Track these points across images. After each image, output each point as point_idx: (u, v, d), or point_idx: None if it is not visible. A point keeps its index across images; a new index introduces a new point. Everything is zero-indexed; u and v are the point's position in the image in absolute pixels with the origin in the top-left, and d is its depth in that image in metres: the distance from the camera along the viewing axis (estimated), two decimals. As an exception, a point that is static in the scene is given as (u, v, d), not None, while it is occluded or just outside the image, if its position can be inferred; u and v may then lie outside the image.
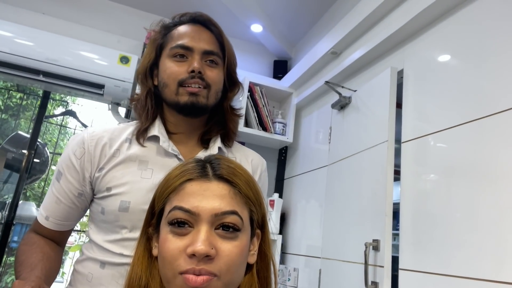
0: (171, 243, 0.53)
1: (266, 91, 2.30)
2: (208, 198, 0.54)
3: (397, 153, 1.40)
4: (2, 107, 4.41)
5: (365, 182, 1.49)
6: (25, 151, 2.20)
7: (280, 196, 2.28)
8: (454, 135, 1.16)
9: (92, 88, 2.03)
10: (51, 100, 4.42)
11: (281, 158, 2.45)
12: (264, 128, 2.25)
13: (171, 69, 0.86)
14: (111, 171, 0.84)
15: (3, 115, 4.45)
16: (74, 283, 0.86)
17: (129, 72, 2.02)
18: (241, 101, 2.22)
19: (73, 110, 2.63)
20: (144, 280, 0.58)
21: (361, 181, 1.53)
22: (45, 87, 2.11)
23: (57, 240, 0.89)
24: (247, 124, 2.25)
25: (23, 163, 2.12)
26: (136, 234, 0.77)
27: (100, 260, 0.83)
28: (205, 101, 0.87)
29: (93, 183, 0.85)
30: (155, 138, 0.88)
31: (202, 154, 0.89)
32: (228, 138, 0.95)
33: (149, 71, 0.91)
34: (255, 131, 2.22)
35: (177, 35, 0.89)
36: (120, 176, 0.83)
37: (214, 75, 0.88)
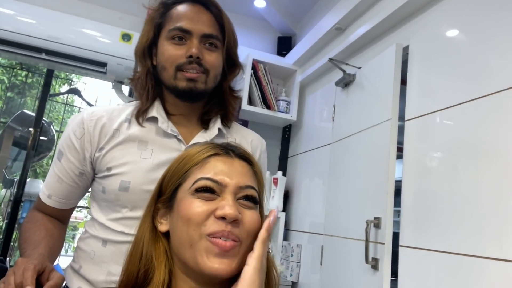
0: (198, 206, 0.56)
1: (269, 68, 2.27)
2: (233, 172, 0.59)
3: (401, 131, 1.39)
4: (8, 85, 4.41)
5: (368, 160, 1.49)
6: (31, 129, 2.22)
7: (284, 174, 2.29)
8: (459, 113, 1.15)
9: (95, 66, 2.02)
10: (57, 78, 4.42)
11: (285, 136, 2.45)
12: (268, 106, 2.23)
13: (169, 53, 0.85)
14: (111, 151, 0.85)
15: (9, 93, 4.46)
16: (77, 260, 0.88)
17: (131, 50, 1.97)
18: (244, 79, 2.20)
19: (77, 88, 2.63)
20: (147, 258, 0.59)
21: (364, 159, 1.53)
22: (48, 66, 2.11)
23: (60, 217, 0.91)
24: (250, 102, 2.24)
25: (29, 141, 2.14)
26: (137, 213, 0.82)
27: (102, 238, 0.85)
28: (204, 86, 0.86)
29: (94, 163, 0.86)
30: (154, 119, 0.88)
31: (201, 135, 0.90)
32: (227, 119, 0.95)
33: (147, 51, 0.89)
34: (259, 109, 2.21)
35: (176, 16, 0.86)
36: (120, 156, 0.84)
37: (213, 59, 0.87)
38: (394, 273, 1.27)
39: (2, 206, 2.41)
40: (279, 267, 2.09)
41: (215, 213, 0.55)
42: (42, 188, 0.90)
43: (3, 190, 2.46)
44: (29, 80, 4.43)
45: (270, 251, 0.60)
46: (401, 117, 1.40)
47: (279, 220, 2.13)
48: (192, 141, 0.88)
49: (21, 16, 1.94)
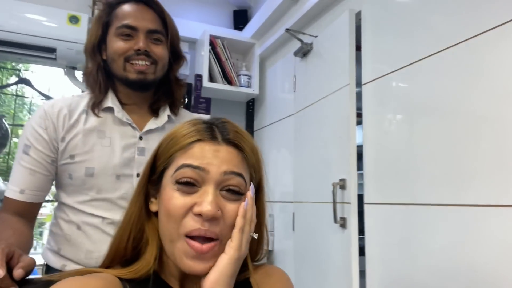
0: (177, 200, 0.54)
1: (227, 43, 2.25)
2: (218, 158, 0.55)
3: (359, 97, 1.44)
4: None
5: (330, 126, 1.54)
6: (-19, 126, 2.09)
7: (251, 148, 2.32)
8: (411, 73, 1.21)
9: (43, 52, 1.91)
10: (3, 70, 4.13)
11: (249, 110, 2.47)
12: (229, 82, 2.23)
13: (118, 46, 0.93)
14: (72, 140, 0.92)
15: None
16: (54, 243, 0.95)
17: (80, 33, 1.91)
18: (203, 56, 2.17)
19: (27, 78, 2.48)
20: (139, 234, 0.59)
21: (326, 125, 1.57)
22: (-8, 56, 1.97)
23: (28, 215, 0.91)
24: (211, 79, 2.22)
25: (-19, 138, 2.02)
26: (102, 195, 0.92)
27: (75, 222, 0.93)
28: (153, 76, 0.96)
29: (57, 151, 0.93)
30: (110, 109, 0.96)
31: (153, 121, 1.00)
32: (175, 106, 1.05)
33: (97, 47, 0.97)
34: (220, 85, 2.20)
35: (122, 15, 0.95)
36: (82, 145, 0.92)
37: (160, 51, 0.96)
38: (362, 231, 1.35)
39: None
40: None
41: (193, 209, 0.53)
42: (9, 187, 0.91)
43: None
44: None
45: (254, 236, 0.58)
46: (359, 83, 1.45)
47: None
48: (145, 128, 0.98)
49: (-47, 4, 1.79)
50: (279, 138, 2.11)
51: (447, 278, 1.01)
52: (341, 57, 1.50)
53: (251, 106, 2.46)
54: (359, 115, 1.44)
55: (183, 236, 0.54)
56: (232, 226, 0.55)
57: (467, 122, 1.00)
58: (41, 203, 0.95)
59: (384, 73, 1.32)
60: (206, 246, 0.53)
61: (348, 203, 1.37)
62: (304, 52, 1.79)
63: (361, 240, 1.35)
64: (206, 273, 0.54)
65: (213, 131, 0.58)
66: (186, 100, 2.18)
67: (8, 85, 2.53)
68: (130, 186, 0.93)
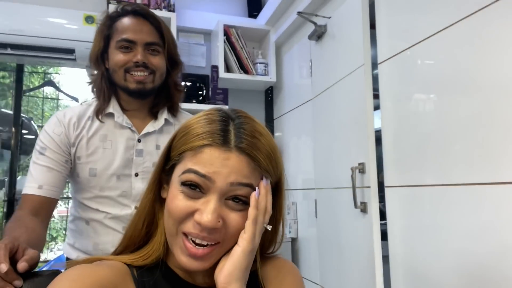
0: (180, 202, 0.53)
1: (242, 32, 2.23)
2: (226, 167, 0.53)
3: (376, 78, 1.39)
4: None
5: (347, 109, 1.50)
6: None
7: (271, 137, 2.30)
8: (430, 46, 1.14)
9: (63, 54, 1.97)
10: (34, 74, 4.32)
11: (268, 99, 2.44)
12: (246, 71, 2.21)
13: (118, 58, 1.01)
14: (79, 144, 1.03)
15: (-11, 97, 4.37)
16: (71, 237, 1.09)
17: (96, 32, 1.95)
18: (218, 47, 2.16)
19: (52, 80, 2.58)
20: (150, 218, 0.60)
21: (343, 109, 1.53)
22: (17, 60, 2.05)
23: (44, 211, 0.96)
24: (228, 69, 2.21)
25: (12, 140, 2.12)
26: (105, 193, 1.02)
27: (85, 218, 1.05)
28: (151, 85, 1.04)
29: (71, 155, 1.03)
30: (112, 115, 1.06)
31: (151, 124, 1.08)
32: (174, 109, 1.13)
33: (100, 57, 1.04)
34: (237, 76, 2.18)
35: (121, 28, 1.02)
36: (87, 148, 1.02)
37: (157, 62, 1.04)
38: (383, 216, 1.31)
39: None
40: (278, 226, 2.14)
41: (194, 216, 0.53)
42: (28, 185, 0.97)
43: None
44: (6, 80, 4.33)
45: (268, 227, 0.57)
46: (375, 64, 1.39)
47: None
48: (143, 131, 1.07)
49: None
50: (299, 125, 2.08)
51: (479, 262, 0.96)
52: (355, 37, 1.44)
53: (269, 95, 2.43)
54: (376, 96, 1.38)
55: (181, 233, 0.54)
56: (235, 235, 0.54)
57: (495, 95, 0.94)
58: (56, 201, 1.01)
59: (401, 49, 1.26)
60: (201, 251, 0.53)
61: (368, 187, 1.33)
62: (318, 34, 1.74)
63: (384, 225, 1.32)
64: (202, 271, 0.55)
65: (227, 135, 0.54)
66: (204, 92, 2.18)
67: (34, 88, 2.63)
68: (129, 185, 1.03)
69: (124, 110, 1.08)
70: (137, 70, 1.01)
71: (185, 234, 0.53)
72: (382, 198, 1.33)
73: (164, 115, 1.11)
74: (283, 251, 2.00)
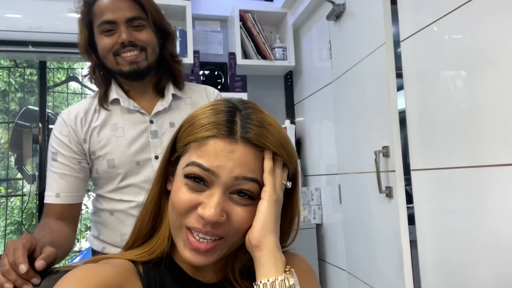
0: (184, 195, 0.52)
1: (258, 16, 2.18)
2: (231, 160, 0.51)
3: (399, 57, 1.32)
4: (17, 86, 4.45)
5: (369, 90, 1.44)
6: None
7: (292, 122, 2.27)
8: (457, 19, 1.07)
9: (82, 48, 1.99)
10: (60, 70, 4.43)
11: (288, 84, 2.40)
12: (264, 57, 2.17)
13: (104, 43, 0.95)
14: (91, 139, 0.99)
15: (19, 94, 4.52)
16: (95, 229, 1.06)
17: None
18: (234, 33, 2.13)
19: (75, 75, 2.62)
20: (156, 211, 0.59)
21: (365, 91, 1.47)
22: (39, 57, 2.10)
23: (69, 216, 0.97)
24: (245, 56, 2.17)
25: (39, 136, 2.19)
26: (127, 181, 0.98)
27: (108, 209, 1.02)
28: (146, 63, 0.98)
29: (85, 152, 1.00)
30: (117, 101, 1.01)
31: (160, 103, 1.02)
32: (178, 82, 1.07)
33: (89, 47, 0.99)
34: (255, 61, 2.15)
35: (99, 11, 0.95)
36: (99, 141, 0.98)
37: (144, 37, 0.97)
38: (410, 200, 1.26)
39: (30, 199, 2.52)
40: (302, 212, 2.12)
41: (198, 210, 0.51)
42: (46, 194, 0.97)
43: (28, 186, 2.57)
44: (34, 77, 4.46)
45: (287, 184, 0.55)
46: (397, 42, 1.32)
47: (294, 168, 2.13)
48: (154, 111, 1.01)
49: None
50: (320, 109, 2.03)
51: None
52: (375, 14, 1.37)
53: (289, 79, 2.38)
54: (399, 76, 1.32)
55: (184, 227, 0.53)
56: (239, 230, 0.53)
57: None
58: (80, 204, 1.00)
59: (425, 24, 1.19)
60: (204, 246, 0.51)
61: (393, 171, 1.28)
62: (336, 14, 1.67)
63: (410, 209, 1.27)
64: (205, 265, 0.53)
65: (233, 126, 0.52)
66: (223, 80, 2.16)
67: (58, 84, 2.69)
68: (151, 169, 0.98)
69: (127, 93, 1.02)
70: (126, 51, 0.94)
71: (189, 229, 0.52)
72: (408, 182, 1.28)
73: (170, 90, 1.05)
74: (309, 238, 1.98)
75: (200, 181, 0.52)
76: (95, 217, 1.06)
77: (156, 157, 1.00)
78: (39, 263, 0.63)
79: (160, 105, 1.02)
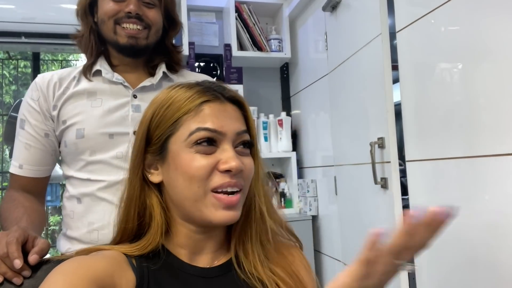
0: (200, 161, 0.54)
1: (254, 7, 2.16)
2: (229, 118, 0.57)
3: (395, 48, 1.31)
4: (11, 79, 4.40)
5: (365, 82, 1.44)
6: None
7: (288, 114, 2.26)
8: (454, 9, 1.06)
9: (76, 40, 1.97)
10: (54, 62, 4.38)
11: (284, 76, 2.39)
12: (259, 48, 2.15)
13: (108, 7, 0.89)
14: (63, 106, 0.91)
15: (13, 87, 4.47)
16: (64, 226, 0.95)
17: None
18: (230, 25, 2.11)
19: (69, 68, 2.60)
20: (142, 210, 0.59)
21: (360, 82, 1.47)
22: (32, 49, 2.07)
23: (35, 190, 0.93)
24: (241, 47, 2.16)
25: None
26: (96, 157, 0.88)
27: (75, 195, 0.90)
28: (145, 42, 0.91)
29: (54, 121, 0.92)
30: (99, 72, 0.93)
31: (149, 81, 0.94)
32: (173, 65, 1.00)
33: (88, 8, 0.93)
34: (251, 53, 2.13)
35: None
36: (72, 109, 0.90)
37: (153, 15, 0.91)
38: (406, 191, 1.27)
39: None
40: (298, 204, 2.13)
41: (219, 167, 0.54)
42: (11, 162, 0.92)
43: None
44: (28, 70, 4.41)
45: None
46: (393, 33, 1.32)
47: (290, 160, 2.14)
48: (140, 86, 0.93)
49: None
50: (316, 101, 2.02)
51: (508, 236, 0.91)
52: (371, 4, 1.36)
53: (285, 71, 2.37)
54: (395, 68, 1.32)
55: (210, 192, 0.55)
56: (248, 178, 0.58)
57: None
58: (46, 178, 0.95)
59: (421, 15, 1.18)
60: (235, 197, 0.55)
61: (388, 162, 1.28)
62: (332, 5, 1.66)
63: (406, 200, 1.27)
64: (235, 221, 0.57)
65: (214, 91, 0.58)
66: (218, 71, 2.15)
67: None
68: (126, 145, 0.88)
69: (113, 67, 0.95)
70: (129, 22, 0.88)
71: (214, 191, 0.55)
72: (403, 173, 1.28)
73: (162, 68, 0.97)
74: (304, 229, 1.99)
75: (210, 143, 0.55)
76: (64, 211, 0.95)
77: (135, 133, 0.88)
78: (33, 258, 0.62)
79: (148, 81, 0.94)
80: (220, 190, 0.54)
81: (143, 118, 0.60)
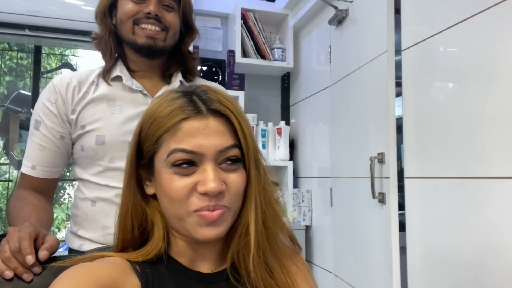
0: (178, 183, 0.53)
1: (260, 16, 2.18)
2: (209, 135, 0.53)
3: (399, 67, 1.34)
4: (5, 70, 4.35)
5: (368, 97, 1.46)
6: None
7: (287, 123, 2.28)
8: (458, 33, 1.09)
9: (81, 36, 1.97)
10: (51, 56, 4.35)
11: (284, 85, 2.41)
12: (263, 56, 2.17)
13: (128, 7, 0.90)
14: (83, 111, 0.91)
15: (8, 78, 4.42)
16: (74, 224, 0.95)
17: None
18: (235, 31, 2.12)
19: (69, 62, 2.58)
20: (142, 219, 0.59)
21: (363, 97, 1.49)
22: (35, 42, 2.06)
23: (45, 190, 0.92)
24: (244, 54, 2.17)
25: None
26: (115, 164, 0.89)
27: (90, 198, 0.91)
28: (163, 43, 0.93)
29: (71, 125, 0.92)
30: (119, 78, 0.94)
31: (165, 89, 0.96)
32: (189, 73, 1.03)
33: (108, 11, 0.94)
34: (254, 61, 2.15)
35: None
36: (91, 114, 0.91)
37: (171, 17, 0.93)
38: (401, 207, 1.29)
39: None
40: (292, 213, 2.13)
41: (197, 189, 0.52)
42: (23, 162, 0.92)
43: (15, 171, 2.51)
44: (24, 62, 4.37)
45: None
46: (398, 51, 1.34)
47: (287, 169, 2.15)
48: (158, 93, 0.94)
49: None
50: (316, 112, 2.04)
51: (499, 257, 0.94)
52: (378, 22, 1.39)
53: (286, 81, 2.39)
54: (398, 84, 1.34)
55: (192, 212, 0.53)
56: (237, 195, 0.55)
57: (521, 85, 0.89)
58: (56, 179, 0.95)
59: (426, 36, 1.21)
60: (216, 213, 0.53)
61: (387, 177, 1.30)
62: (339, 19, 1.69)
63: (401, 216, 1.29)
64: (219, 238, 0.55)
65: (196, 103, 0.54)
66: (220, 77, 2.16)
67: (52, 70, 2.64)
68: None
69: (132, 72, 0.96)
70: (148, 23, 0.90)
71: (196, 211, 0.53)
72: (400, 189, 1.30)
73: (178, 77, 1.00)
74: (297, 239, 1.99)
75: (188, 164, 0.53)
76: (75, 210, 0.95)
77: None
78: (43, 254, 0.62)
79: (165, 89, 0.96)
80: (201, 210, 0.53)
81: (135, 130, 0.59)
